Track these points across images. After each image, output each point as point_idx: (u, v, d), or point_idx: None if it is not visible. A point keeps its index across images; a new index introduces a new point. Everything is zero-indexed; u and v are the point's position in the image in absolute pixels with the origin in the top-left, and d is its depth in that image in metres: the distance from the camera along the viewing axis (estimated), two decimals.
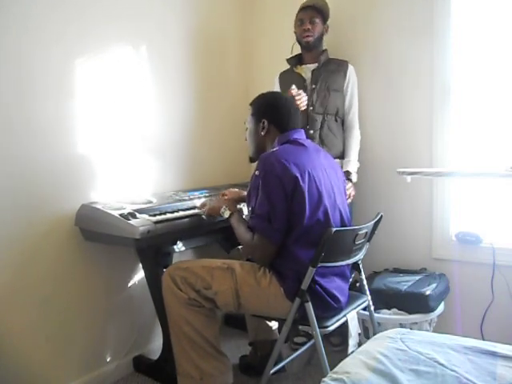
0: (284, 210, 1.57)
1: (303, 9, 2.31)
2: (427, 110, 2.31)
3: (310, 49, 2.34)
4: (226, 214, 1.79)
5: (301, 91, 2.15)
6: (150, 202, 1.96)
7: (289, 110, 1.78)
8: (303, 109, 2.16)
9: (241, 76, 2.85)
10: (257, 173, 1.62)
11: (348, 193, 2.19)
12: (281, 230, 1.58)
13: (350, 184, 2.23)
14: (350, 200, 2.24)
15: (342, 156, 2.33)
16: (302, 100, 2.13)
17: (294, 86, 2.15)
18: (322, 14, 2.30)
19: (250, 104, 1.86)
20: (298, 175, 1.56)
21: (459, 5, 2.22)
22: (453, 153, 2.28)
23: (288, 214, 1.58)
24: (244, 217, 1.84)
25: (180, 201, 2.02)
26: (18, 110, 1.70)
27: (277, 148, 1.68)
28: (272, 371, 1.75)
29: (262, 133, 1.78)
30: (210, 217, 1.88)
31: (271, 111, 1.77)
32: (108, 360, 2.06)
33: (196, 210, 1.91)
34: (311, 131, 2.26)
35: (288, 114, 1.77)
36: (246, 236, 1.66)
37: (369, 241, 1.83)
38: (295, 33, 2.37)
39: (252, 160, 1.91)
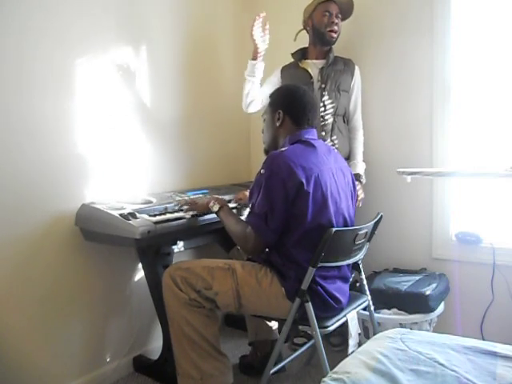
0: (282, 213, 1.56)
1: (329, 0, 2.21)
2: (427, 110, 2.31)
3: (328, 44, 2.27)
4: (215, 208, 1.79)
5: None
6: (150, 202, 1.96)
7: (306, 103, 1.74)
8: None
9: (241, 75, 2.84)
10: (262, 171, 1.61)
11: (360, 197, 2.20)
12: (276, 230, 1.59)
13: (359, 186, 2.23)
14: (360, 204, 2.24)
15: (348, 157, 2.32)
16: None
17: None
18: (343, 14, 2.26)
19: (270, 96, 1.85)
20: (304, 180, 1.55)
21: (459, 5, 2.22)
22: (453, 153, 2.28)
23: (286, 216, 1.57)
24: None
25: None
26: (18, 109, 1.70)
27: (286, 148, 1.66)
28: (272, 371, 1.75)
29: (277, 123, 1.76)
30: (192, 210, 1.88)
31: (287, 102, 1.75)
32: (108, 360, 2.06)
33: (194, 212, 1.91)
34: (323, 133, 2.22)
35: (304, 107, 1.74)
36: (237, 228, 1.68)
37: (369, 241, 1.83)
38: (305, 22, 2.30)
39: (267, 152, 1.88)
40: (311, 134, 1.75)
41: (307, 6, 2.29)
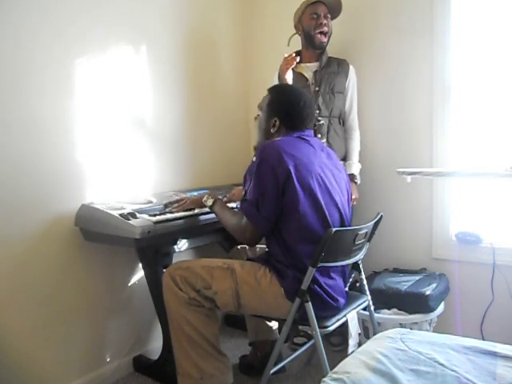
0: (274, 199, 1.57)
1: (316, 2, 2.22)
2: (427, 110, 2.31)
3: (319, 49, 2.27)
4: (209, 202, 1.79)
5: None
6: (150, 202, 1.96)
7: (305, 117, 1.73)
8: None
9: (240, 75, 2.85)
10: (254, 159, 1.63)
11: (354, 196, 2.21)
12: (268, 218, 1.59)
13: (354, 186, 2.24)
14: (354, 203, 2.24)
15: (344, 158, 2.32)
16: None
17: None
18: (332, 12, 2.26)
19: (269, 90, 1.81)
20: (292, 167, 1.56)
21: (459, 5, 2.22)
22: (453, 153, 2.27)
23: (279, 203, 1.58)
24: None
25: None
26: (15, 109, 1.70)
27: (279, 138, 1.68)
28: (272, 371, 1.75)
29: (272, 130, 1.76)
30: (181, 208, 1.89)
31: (285, 112, 1.74)
32: (108, 360, 2.06)
33: (195, 211, 1.91)
34: (319, 135, 2.22)
35: (303, 121, 1.73)
36: (233, 220, 1.69)
37: (369, 241, 1.83)
38: (296, 26, 2.30)
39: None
40: (306, 134, 1.75)
41: (296, 9, 2.30)
